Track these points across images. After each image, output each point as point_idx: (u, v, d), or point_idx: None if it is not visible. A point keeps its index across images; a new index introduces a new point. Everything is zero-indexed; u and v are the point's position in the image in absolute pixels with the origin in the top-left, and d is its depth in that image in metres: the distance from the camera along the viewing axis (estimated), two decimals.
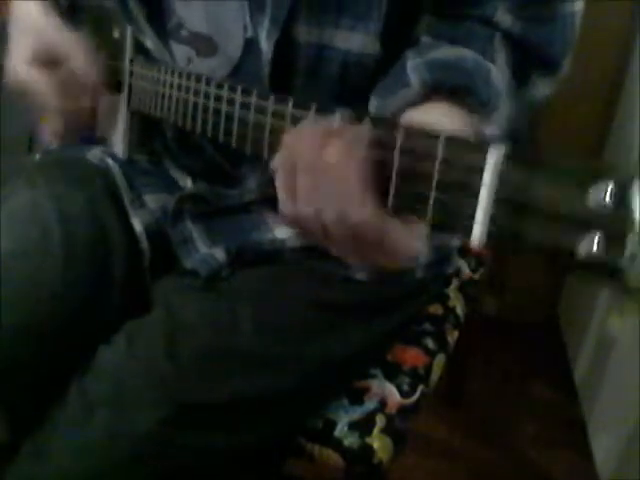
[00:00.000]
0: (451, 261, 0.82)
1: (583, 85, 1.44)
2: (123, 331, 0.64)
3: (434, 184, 0.38)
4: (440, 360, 0.83)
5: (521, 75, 0.58)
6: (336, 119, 0.44)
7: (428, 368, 0.81)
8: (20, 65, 0.69)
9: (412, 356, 0.80)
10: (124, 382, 0.60)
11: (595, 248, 0.30)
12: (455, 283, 0.96)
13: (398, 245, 0.44)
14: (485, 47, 0.56)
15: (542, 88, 0.60)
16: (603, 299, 1.39)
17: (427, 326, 0.85)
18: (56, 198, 0.70)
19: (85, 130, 0.77)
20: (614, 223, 0.29)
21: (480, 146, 0.36)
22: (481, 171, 0.35)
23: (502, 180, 0.35)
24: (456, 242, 0.81)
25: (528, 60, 0.58)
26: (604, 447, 1.30)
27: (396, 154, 0.41)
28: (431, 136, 0.38)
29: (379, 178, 0.42)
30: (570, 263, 0.31)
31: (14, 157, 0.94)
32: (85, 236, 0.69)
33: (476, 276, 1.01)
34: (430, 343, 0.83)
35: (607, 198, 0.30)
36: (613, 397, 1.30)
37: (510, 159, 0.34)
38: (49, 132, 0.71)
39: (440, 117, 0.52)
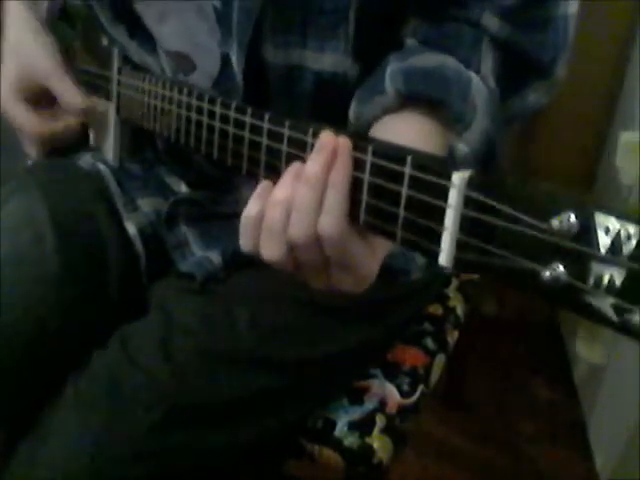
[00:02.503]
0: None
1: (583, 85, 1.44)
2: (119, 334, 0.64)
3: (402, 203, 0.39)
4: (440, 360, 0.83)
5: (513, 81, 0.57)
6: (309, 134, 0.44)
7: (428, 368, 0.81)
8: (6, 94, 0.71)
9: (412, 356, 0.80)
10: (120, 384, 0.60)
11: (558, 275, 0.30)
12: (455, 283, 0.96)
13: (361, 266, 0.44)
14: (471, 53, 0.54)
15: (538, 93, 0.59)
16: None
17: (427, 326, 0.85)
18: (49, 203, 0.70)
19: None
20: (577, 251, 0.30)
21: (446, 168, 0.36)
22: (446, 193, 0.36)
23: (467, 203, 0.35)
24: None
25: (519, 65, 0.57)
26: (604, 447, 1.30)
27: (366, 172, 0.41)
28: (400, 154, 0.39)
29: (351, 194, 0.42)
30: (535, 289, 0.31)
31: (13, 160, 0.94)
32: (79, 241, 0.69)
33: (476, 276, 1.01)
34: (430, 343, 0.83)
35: (569, 227, 0.30)
36: (613, 397, 1.30)
37: (476, 182, 0.35)
38: (34, 153, 0.75)
39: (412, 129, 0.51)
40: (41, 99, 0.71)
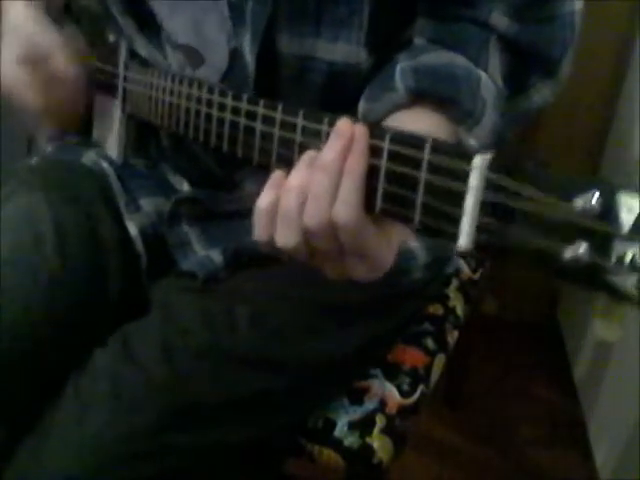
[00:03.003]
0: (451, 261, 0.82)
1: (583, 85, 1.44)
2: (120, 333, 0.64)
3: (421, 188, 0.39)
4: (440, 360, 0.83)
5: (518, 80, 0.58)
6: (324, 123, 0.44)
7: (428, 368, 0.81)
8: (6, 65, 0.70)
9: (412, 356, 0.80)
10: (121, 383, 0.60)
11: (581, 254, 0.30)
12: (455, 283, 0.96)
13: (376, 255, 0.44)
14: (478, 53, 0.55)
15: (543, 92, 0.59)
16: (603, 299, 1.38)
17: (427, 326, 0.85)
18: (51, 203, 0.69)
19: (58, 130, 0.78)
20: (600, 230, 0.30)
21: (466, 152, 0.36)
22: (467, 176, 0.36)
23: (488, 186, 0.35)
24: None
25: (526, 63, 0.57)
26: (604, 447, 1.30)
27: (384, 158, 0.41)
28: (418, 141, 0.39)
29: (367, 182, 0.42)
30: (556, 269, 0.31)
31: (14, 159, 0.94)
32: (80, 240, 0.69)
33: (476, 276, 1.01)
34: (430, 343, 0.83)
35: (592, 207, 0.30)
36: (613, 397, 1.30)
37: (496, 165, 0.35)
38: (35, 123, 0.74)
39: (423, 124, 0.51)
40: (46, 70, 0.71)
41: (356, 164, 0.42)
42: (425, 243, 0.73)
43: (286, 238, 0.45)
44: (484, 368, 1.51)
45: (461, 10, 0.56)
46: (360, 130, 0.42)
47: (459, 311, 0.92)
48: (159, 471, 0.59)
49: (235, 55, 0.62)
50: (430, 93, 0.51)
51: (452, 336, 0.88)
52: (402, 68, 0.53)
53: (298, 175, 0.44)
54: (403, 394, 0.75)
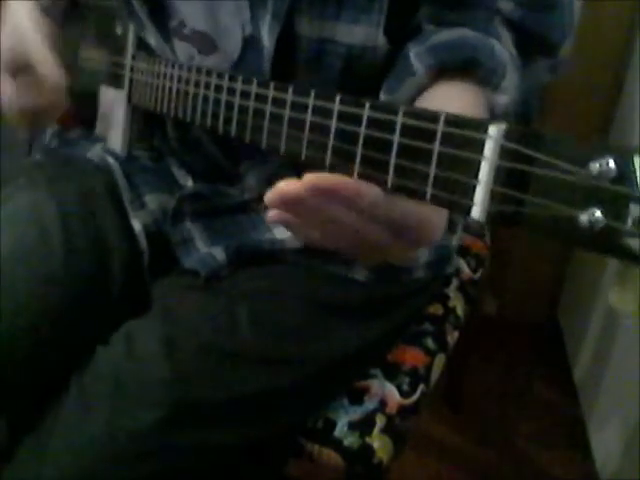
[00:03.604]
0: (451, 261, 0.82)
1: (584, 84, 1.44)
2: (122, 330, 0.64)
3: (434, 161, 0.38)
4: (440, 360, 0.83)
5: (524, 57, 0.59)
6: (336, 103, 0.44)
7: (428, 368, 0.81)
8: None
9: (412, 356, 0.80)
10: (123, 381, 0.60)
11: (597, 219, 0.30)
12: (455, 283, 0.96)
13: (425, 222, 0.43)
14: (487, 28, 0.56)
15: (545, 72, 0.62)
16: (603, 299, 1.39)
17: (427, 326, 0.85)
18: (56, 198, 0.70)
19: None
20: (616, 193, 0.30)
21: (481, 122, 0.36)
22: (482, 146, 0.36)
23: (503, 154, 0.35)
24: (456, 242, 0.81)
25: (529, 44, 0.59)
26: (604, 447, 1.30)
27: (396, 134, 0.41)
28: (432, 115, 0.39)
29: (379, 157, 0.42)
30: (572, 235, 0.31)
31: (14, 157, 0.94)
32: (84, 236, 0.69)
33: (476, 276, 1.01)
34: (430, 343, 0.83)
35: (608, 171, 0.30)
36: (613, 397, 1.30)
37: (511, 134, 0.35)
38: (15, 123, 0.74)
39: (452, 95, 0.52)
40: (30, 76, 0.71)
41: (347, 193, 0.40)
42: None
43: (311, 235, 0.44)
44: (484, 368, 1.51)
45: None
46: (310, 183, 0.39)
47: (459, 311, 0.92)
48: (160, 470, 0.59)
49: (248, 43, 0.63)
50: (450, 64, 0.52)
51: (452, 336, 0.88)
52: (416, 52, 0.54)
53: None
54: (403, 394, 0.75)
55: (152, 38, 0.71)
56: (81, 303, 0.66)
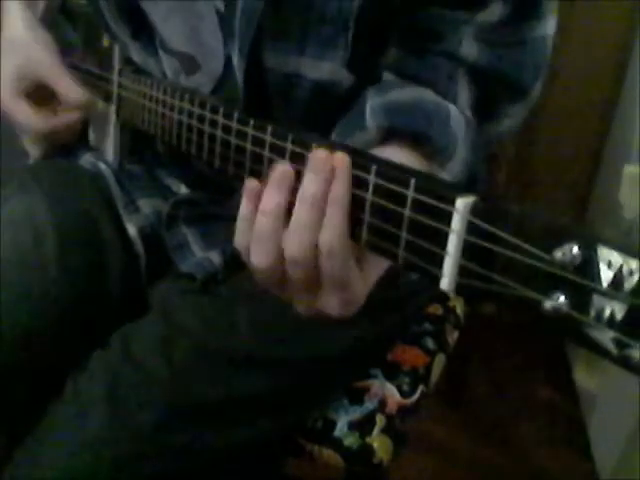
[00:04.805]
0: None
1: (583, 85, 1.44)
2: (119, 334, 0.64)
3: (405, 225, 0.38)
4: (440, 360, 0.83)
5: (489, 108, 0.57)
6: (313, 149, 0.44)
7: (428, 368, 0.81)
8: (6, 91, 0.70)
9: (412, 356, 0.80)
10: (120, 384, 0.60)
11: (560, 306, 0.30)
12: None
13: (352, 289, 0.43)
14: (447, 86, 0.55)
15: (514, 116, 0.59)
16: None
17: (427, 326, 0.85)
18: (51, 204, 0.70)
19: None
20: (579, 285, 0.30)
21: (450, 193, 0.36)
22: (450, 218, 0.36)
23: (470, 230, 0.35)
24: None
25: (497, 90, 0.57)
26: (604, 447, 1.30)
27: (369, 192, 0.41)
28: (403, 176, 0.39)
29: (353, 212, 0.42)
30: (535, 318, 0.31)
31: (14, 159, 0.94)
32: (80, 241, 0.69)
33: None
34: (430, 343, 0.83)
35: (572, 258, 0.30)
36: (613, 397, 1.30)
37: (479, 208, 0.35)
38: (35, 151, 0.74)
39: (397, 161, 0.51)
40: (41, 96, 0.71)
41: (340, 193, 0.41)
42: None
43: (259, 257, 0.44)
44: (484, 368, 1.51)
45: (430, 43, 0.56)
46: (341, 159, 0.41)
47: (459, 311, 0.92)
48: (158, 472, 0.59)
49: (230, 62, 0.62)
50: (401, 130, 0.51)
51: (452, 336, 0.88)
52: (372, 106, 0.53)
53: (272, 198, 0.43)
54: (403, 394, 0.75)
55: (136, 55, 0.71)
56: (78, 307, 0.66)
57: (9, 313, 0.63)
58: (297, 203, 0.43)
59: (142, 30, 0.68)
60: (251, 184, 0.44)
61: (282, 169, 0.43)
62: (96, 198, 0.73)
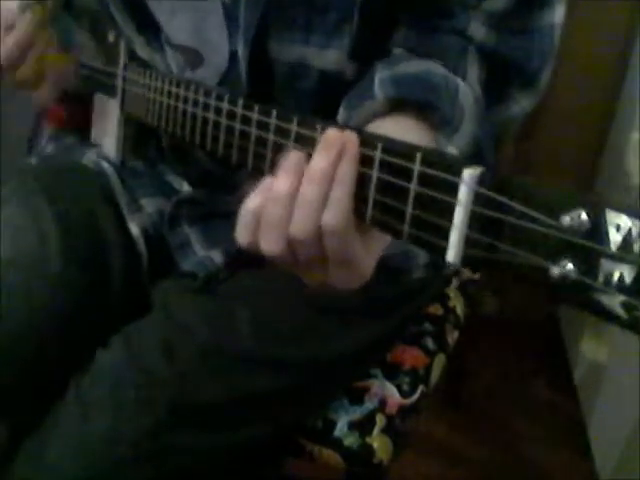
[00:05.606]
0: None
1: (583, 85, 1.44)
2: (121, 333, 0.64)
3: (411, 200, 0.38)
4: (440, 360, 0.83)
5: (497, 91, 0.58)
6: (317, 131, 0.44)
7: (428, 368, 0.81)
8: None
9: (412, 356, 0.80)
10: (122, 383, 0.61)
11: (568, 272, 0.30)
12: (455, 283, 0.96)
13: (358, 263, 0.44)
14: (457, 62, 0.55)
15: (522, 103, 0.59)
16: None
17: (427, 326, 0.85)
18: (53, 203, 0.70)
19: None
20: (587, 250, 0.30)
21: (456, 165, 0.36)
22: (456, 190, 0.36)
23: (477, 200, 0.35)
24: None
25: (504, 74, 0.57)
26: (604, 447, 1.30)
27: (375, 168, 0.41)
28: (409, 151, 0.39)
29: (358, 190, 0.42)
30: (543, 286, 0.31)
31: (14, 159, 0.94)
32: (83, 240, 0.69)
33: (476, 276, 1.01)
34: (430, 343, 0.83)
35: (580, 224, 0.30)
36: (613, 397, 1.30)
37: (486, 179, 0.35)
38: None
39: (402, 131, 0.50)
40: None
41: (347, 172, 0.42)
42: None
43: (270, 245, 0.44)
44: (484, 368, 1.51)
45: (440, 21, 0.56)
46: (351, 138, 0.42)
47: (459, 311, 0.92)
48: (161, 471, 0.59)
49: (234, 56, 0.62)
50: (409, 100, 0.51)
51: (452, 336, 0.88)
52: (381, 77, 0.53)
53: (285, 182, 0.44)
54: (403, 394, 0.75)
55: (141, 50, 0.71)
56: (80, 306, 0.66)
57: (12, 313, 0.63)
58: (304, 181, 0.43)
59: (147, 25, 0.68)
60: (269, 180, 0.45)
61: (296, 155, 0.44)
62: (99, 197, 0.73)
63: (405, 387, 0.76)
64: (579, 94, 1.45)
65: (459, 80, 0.54)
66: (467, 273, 1.00)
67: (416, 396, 0.76)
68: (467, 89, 0.54)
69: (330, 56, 0.59)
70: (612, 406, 1.31)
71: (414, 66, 0.54)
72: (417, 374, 0.78)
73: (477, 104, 0.55)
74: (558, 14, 0.57)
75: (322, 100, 0.61)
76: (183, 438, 0.60)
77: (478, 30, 0.56)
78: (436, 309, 0.89)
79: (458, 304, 0.93)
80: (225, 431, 0.62)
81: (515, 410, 1.46)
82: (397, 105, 0.51)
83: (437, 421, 1.38)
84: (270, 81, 0.61)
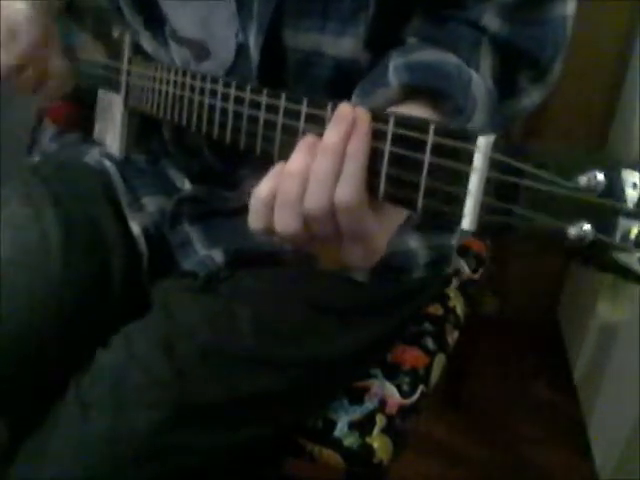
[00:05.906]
0: (451, 261, 0.82)
1: (583, 84, 1.44)
2: (122, 333, 0.65)
3: (425, 171, 0.39)
4: (440, 360, 0.83)
5: (509, 82, 0.58)
6: (328, 110, 0.45)
7: (428, 368, 0.81)
8: None
9: (412, 356, 0.80)
10: (123, 383, 0.61)
11: (586, 232, 0.30)
12: (455, 283, 0.96)
13: (372, 239, 0.44)
14: (470, 53, 0.55)
15: (533, 96, 0.60)
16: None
17: (427, 326, 0.85)
18: (55, 202, 0.70)
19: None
20: (604, 207, 0.30)
21: (470, 133, 0.36)
22: (471, 157, 0.36)
23: (492, 166, 0.35)
24: (456, 242, 0.81)
25: (516, 65, 0.58)
26: (604, 447, 1.30)
27: (387, 142, 0.41)
28: (422, 124, 0.39)
29: (370, 165, 0.42)
30: (561, 248, 0.31)
31: (14, 157, 0.94)
32: (84, 239, 0.69)
33: (476, 276, 1.01)
34: (430, 343, 0.83)
35: (596, 184, 0.30)
36: (613, 397, 1.30)
37: (500, 145, 0.35)
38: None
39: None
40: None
41: (359, 146, 0.42)
42: (425, 243, 0.73)
43: (286, 224, 0.45)
44: (484, 368, 1.51)
45: (454, 11, 0.56)
46: (362, 113, 0.42)
47: (459, 311, 0.92)
48: (161, 471, 0.59)
49: (241, 50, 0.63)
50: (423, 88, 0.52)
51: (452, 336, 0.88)
52: (395, 64, 0.53)
53: (298, 160, 0.44)
54: (403, 394, 0.75)
55: (147, 44, 0.71)
56: (81, 306, 0.66)
57: (13, 311, 0.63)
58: (317, 155, 0.43)
59: (153, 20, 0.69)
60: (280, 165, 0.45)
61: (311, 137, 0.44)
62: (100, 196, 0.73)
63: (405, 387, 0.76)
64: (579, 94, 1.45)
65: (472, 70, 0.54)
66: (467, 273, 1.00)
67: (416, 396, 0.76)
68: (480, 80, 0.55)
69: (345, 44, 0.59)
70: (612, 406, 1.30)
71: (428, 55, 0.54)
72: (417, 374, 0.78)
73: (489, 96, 0.56)
74: (570, 7, 0.58)
75: (334, 89, 0.61)
76: (183, 438, 0.60)
77: (491, 21, 0.56)
78: (436, 309, 0.89)
79: (458, 304, 0.93)
80: (225, 431, 0.62)
81: (515, 410, 1.46)
82: (411, 93, 0.52)
83: (437, 421, 1.38)
84: (281, 71, 0.62)
